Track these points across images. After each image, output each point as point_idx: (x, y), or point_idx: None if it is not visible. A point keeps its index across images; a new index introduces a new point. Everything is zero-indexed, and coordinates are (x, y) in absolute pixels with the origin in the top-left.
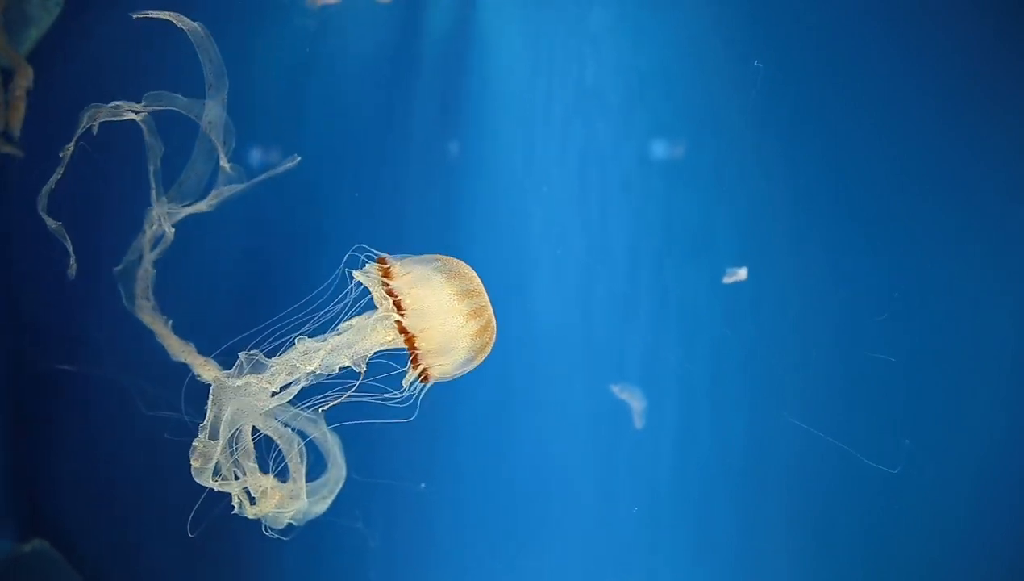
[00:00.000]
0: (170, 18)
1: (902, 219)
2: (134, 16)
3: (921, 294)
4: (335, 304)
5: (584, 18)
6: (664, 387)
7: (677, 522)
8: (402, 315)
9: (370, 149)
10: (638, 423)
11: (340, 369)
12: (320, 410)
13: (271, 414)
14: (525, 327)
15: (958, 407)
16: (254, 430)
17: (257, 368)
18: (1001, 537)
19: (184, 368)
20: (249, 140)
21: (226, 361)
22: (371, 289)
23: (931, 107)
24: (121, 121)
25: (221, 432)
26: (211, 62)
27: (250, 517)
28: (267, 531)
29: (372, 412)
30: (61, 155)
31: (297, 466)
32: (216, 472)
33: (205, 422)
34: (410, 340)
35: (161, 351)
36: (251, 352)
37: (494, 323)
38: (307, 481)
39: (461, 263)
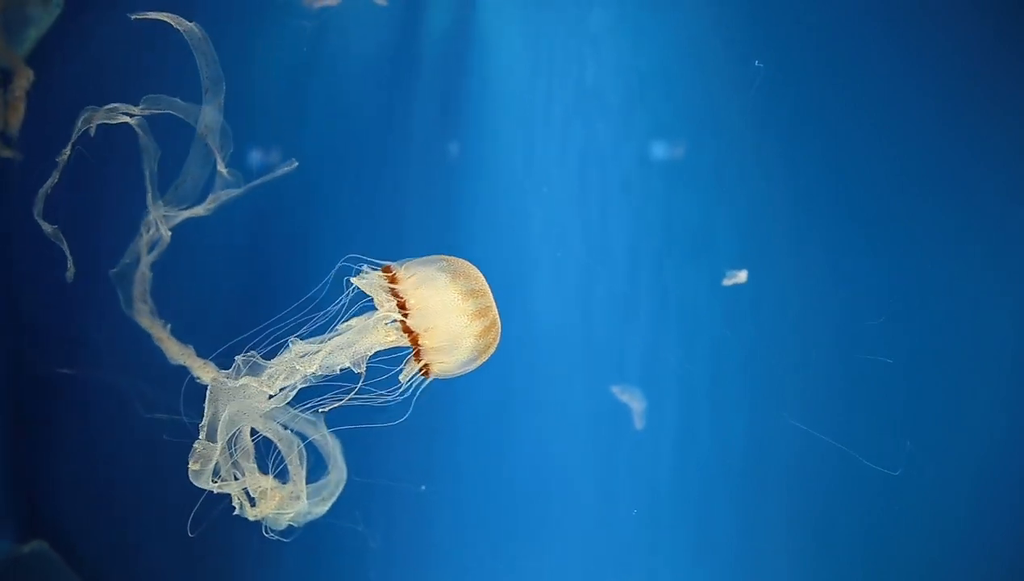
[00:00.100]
0: (167, 19)
1: (902, 219)
2: (132, 17)
3: (921, 294)
4: (334, 305)
5: (584, 18)
6: (664, 388)
7: (677, 522)
8: (406, 315)
9: (370, 149)
10: (638, 424)
11: (340, 370)
12: (320, 410)
13: (270, 416)
14: (525, 327)
15: (958, 408)
16: (253, 431)
17: (254, 370)
18: (1001, 537)
19: (183, 370)
20: (249, 141)
21: (227, 363)
22: (373, 295)
23: (931, 107)
24: (120, 124)
25: (219, 434)
26: (208, 65)
27: (251, 519)
28: (267, 532)
29: (370, 413)
30: (57, 160)
31: (297, 468)
32: (216, 473)
33: (203, 423)
34: (414, 338)
35: (160, 353)
36: (248, 354)
37: (499, 324)
38: (308, 483)
39: (467, 263)
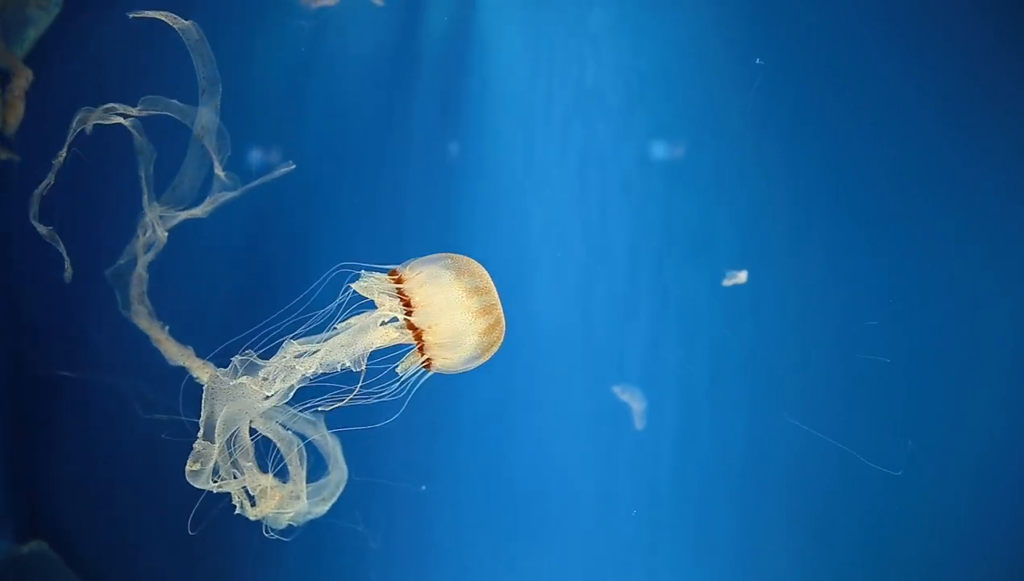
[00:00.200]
0: (165, 18)
1: (902, 219)
2: (130, 16)
3: (921, 294)
4: (332, 304)
5: (584, 18)
6: (664, 387)
7: (677, 522)
8: (410, 313)
9: (370, 149)
10: (639, 424)
11: (341, 368)
12: (320, 409)
13: (269, 415)
14: (525, 327)
15: (958, 407)
16: (253, 431)
17: (251, 370)
18: (1001, 537)
19: (183, 370)
20: (249, 141)
21: (226, 363)
22: (373, 298)
23: (931, 107)
24: (118, 124)
25: (218, 433)
26: (204, 67)
27: (251, 518)
28: (268, 532)
29: (369, 412)
30: (54, 162)
31: (296, 467)
32: (215, 473)
33: (200, 422)
34: (418, 334)
35: (160, 354)
36: (245, 354)
37: (503, 322)
38: (308, 482)
39: (472, 261)
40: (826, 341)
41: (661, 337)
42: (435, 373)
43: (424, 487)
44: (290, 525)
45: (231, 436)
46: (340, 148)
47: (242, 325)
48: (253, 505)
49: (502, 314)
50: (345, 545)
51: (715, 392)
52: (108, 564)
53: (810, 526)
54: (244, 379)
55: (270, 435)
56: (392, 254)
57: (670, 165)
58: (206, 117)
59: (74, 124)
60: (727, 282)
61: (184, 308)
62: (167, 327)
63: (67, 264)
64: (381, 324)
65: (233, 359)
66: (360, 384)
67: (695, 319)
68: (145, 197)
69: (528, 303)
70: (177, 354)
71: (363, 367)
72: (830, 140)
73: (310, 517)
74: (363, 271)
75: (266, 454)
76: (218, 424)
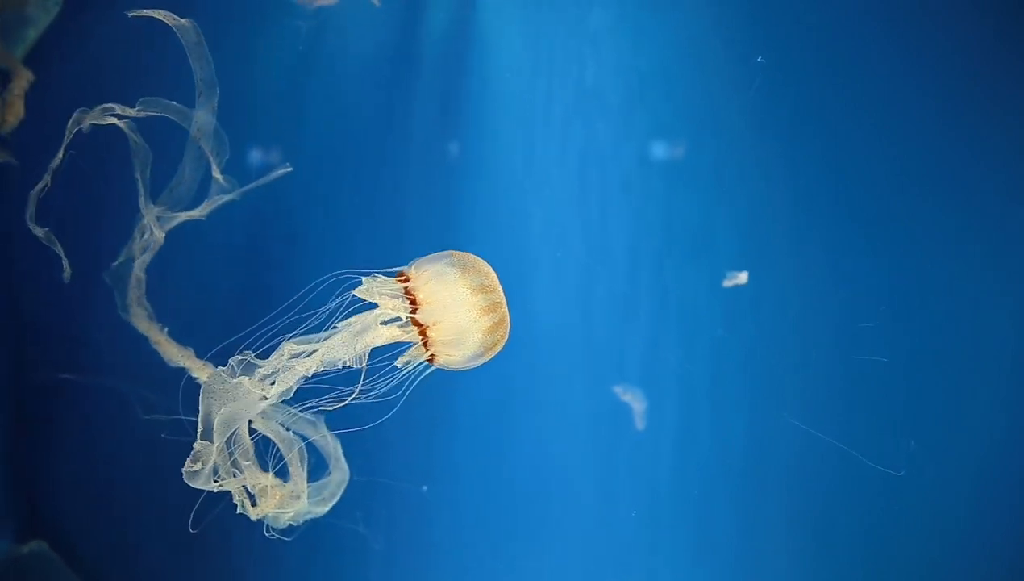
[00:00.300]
0: (163, 17)
1: (902, 219)
2: (129, 15)
3: (921, 294)
4: (332, 304)
5: (584, 18)
6: (664, 387)
7: (677, 522)
8: (415, 310)
9: (370, 149)
10: (639, 424)
11: (343, 366)
12: (321, 409)
13: (269, 415)
14: (525, 327)
15: (958, 408)
16: (253, 430)
17: (248, 370)
18: (1001, 537)
19: (183, 370)
20: (248, 141)
21: (226, 362)
22: (376, 301)
23: (931, 107)
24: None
25: (216, 433)
26: (202, 68)
27: (252, 518)
28: (269, 532)
29: (370, 412)
30: (52, 166)
31: (297, 467)
32: (215, 473)
33: (198, 422)
34: (422, 331)
35: (160, 354)
36: (243, 354)
37: (508, 321)
38: (310, 482)
39: (479, 259)
40: (826, 341)
41: (661, 337)
42: (437, 370)
43: (426, 488)
44: (290, 525)
45: (231, 436)
46: (340, 148)
47: (242, 325)
48: (254, 505)
49: (507, 312)
50: (345, 545)
51: (715, 392)
52: (108, 564)
53: (810, 526)
54: (242, 379)
55: (270, 434)
56: (392, 254)
57: (670, 165)
58: (203, 119)
59: (70, 125)
60: (727, 283)
61: (184, 308)
62: (166, 329)
63: (65, 264)
64: (382, 323)
65: (230, 360)
66: (361, 384)
67: (695, 319)
68: (142, 198)
69: (528, 303)
70: (177, 355)
71: (364, 364)
72: (830, 140)
73: (311, 517)
74: (363, 278)
75: (266, 453)
76: (217, 424)
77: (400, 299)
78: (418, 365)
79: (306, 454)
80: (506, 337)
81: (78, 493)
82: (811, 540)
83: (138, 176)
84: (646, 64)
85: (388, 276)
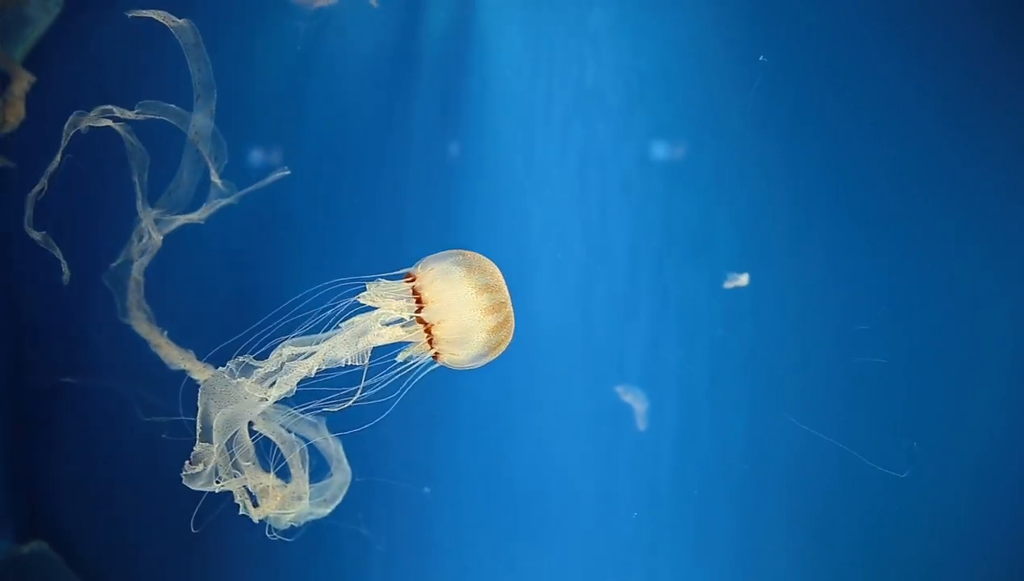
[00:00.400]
0: (161, 18)
1: (902, 219)
2: (128, 15)
3: (921, 294)
4: (331, 307)
5: (584, 18)
6: (664, 388)
7: (677, 523)
8: (420, 309)
9: (370, 149)
10: (641, 425)
11: (346, 363)
12: (323, 410)
13: (269, 416)
14: (525, 327)
15: (958, 408)
16: (254, 431)
17: (247, 372)
18: (1002, 537)
19: (183, 372)
20: (248, 141)
21: (225, 363)
22: (380, 305)
23: (931, 107)
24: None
25: (216, 434)
26: (200, 71)
27: (254, 518)
28: (270, 533)
29: (370, 412)
30: (49, 170)
31: (298, 468)
32: (215, 474)
33: (197, 422)
34: (428, 329)
35: (159, 357)
36: (242, 356)
37: (512, 321)
38: (311, 483)
39: (485, 259)
40: (826, 341)
41: (661, 337)
42: (437, 370)
43: (427, 490)
44: (292, 526)
45: (231, 437)
46: (340, 148)
47: (242, 327)
48: (256, 505)
49: (511, 312)
50: (345, 545)
51: (715, 392)
52: (108, 564)
53: (810, 526)
54: (241, 380)
55: (271, 436)
56: (392, 255)
57: (670, 165)
58: (201, 122)
59: (67, 127)
60: (728, 285)
61: (182, 311)
62: (166, 332)
63: (64, 267)
64: (384, 324)
65: (229, 362)
66: (361, 384)
67: (695, 319)
68: (139, 202)
69: (528, 303)
70: (178, 358)
71: (366, 363)
72: (830, 140)
73: (312, 518)
74: (367, 283)
75: (267, 454)
76: (217, 425)
77: (405, 299)
78: (419, 364)
79: (307, 455)
80: (511, 337)
81: (78, 493)
82: (811, 540)
83: (135, 179)
84: (646, 64)
85: (388, 279)
